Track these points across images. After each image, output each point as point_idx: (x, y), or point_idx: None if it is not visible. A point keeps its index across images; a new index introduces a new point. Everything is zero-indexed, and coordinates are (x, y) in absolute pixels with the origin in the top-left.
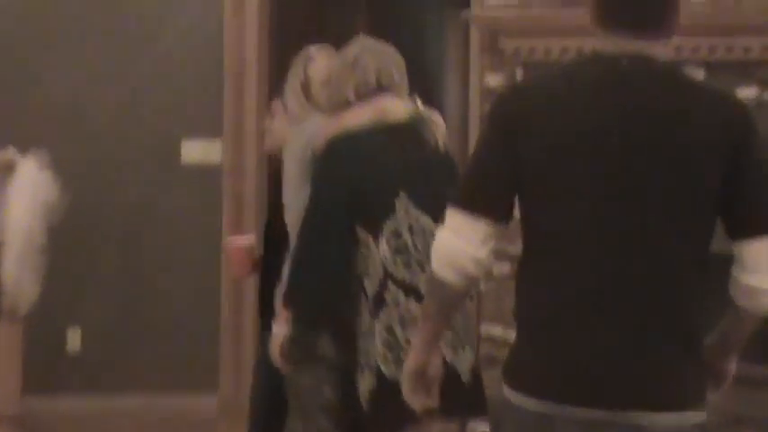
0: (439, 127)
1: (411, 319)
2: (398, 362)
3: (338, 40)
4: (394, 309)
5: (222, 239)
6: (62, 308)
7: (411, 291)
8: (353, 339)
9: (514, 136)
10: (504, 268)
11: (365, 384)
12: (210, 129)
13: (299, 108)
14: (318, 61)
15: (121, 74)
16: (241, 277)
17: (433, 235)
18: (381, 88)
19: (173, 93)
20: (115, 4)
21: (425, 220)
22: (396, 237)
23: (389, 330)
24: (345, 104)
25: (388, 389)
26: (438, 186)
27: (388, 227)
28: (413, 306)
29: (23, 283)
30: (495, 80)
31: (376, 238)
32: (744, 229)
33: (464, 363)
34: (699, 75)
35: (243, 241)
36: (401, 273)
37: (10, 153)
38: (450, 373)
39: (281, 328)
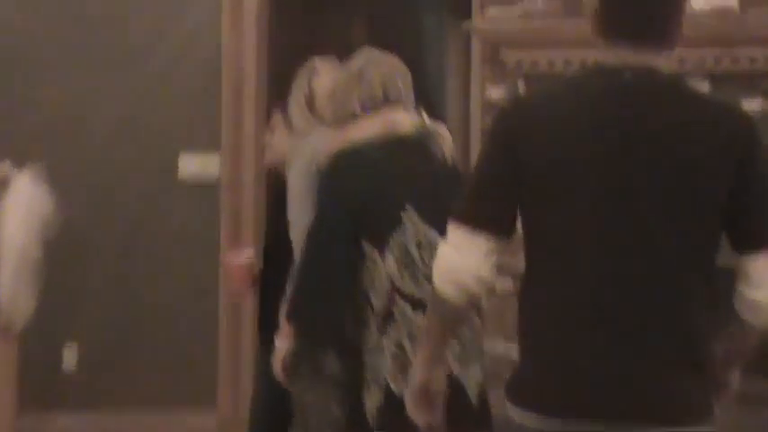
0: (445, 140)
1: (420, 334)
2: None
3: (338, 53)
4: (402, 324)
5: (220, 254)
6: (58, 324)
7: (419, 305)
8: (359, 355)
9: (516, 151)
10: (506, 284)
11: (372, 401)
12: (208, 143)
13: (303, 121)
14: (323, 74)
15: (118, 87)
16: (240, 294)
17: None
18: (388, 101)
19: (170, 106)
20: (111, 18)
21: (432, 233)
22: (403, 250)
23: (399, 346)
24: (351, 117)
25: (396, 405)
26: (445, 200)
27: (395, 240)
28: (421, 320)
29: (19, 299)
30: (496, 93)
31: (382, 251)
32: (749, 243)
33: (471, 378)
34: (703, 87)
35: (242, 258)
36: (408, 287)
37: (5, 168)
38: (456, 388)
39: (283, 343)
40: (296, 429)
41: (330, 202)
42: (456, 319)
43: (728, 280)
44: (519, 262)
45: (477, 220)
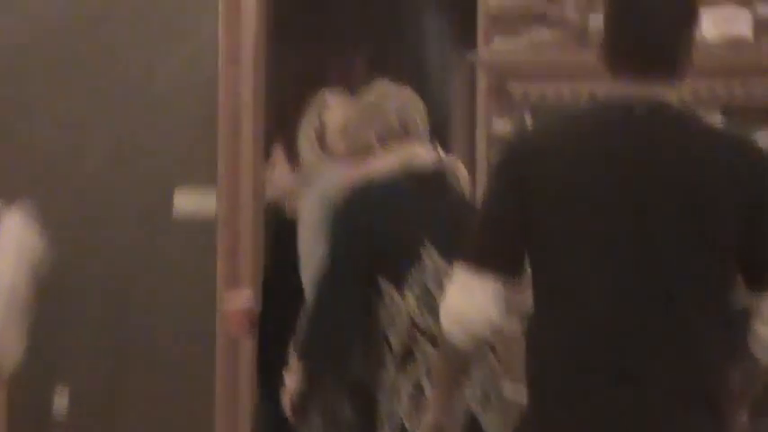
0: (462, 175)
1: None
2: None
3: (339, 85)
4: (422, 362)
5: (217, 294)
6: (48, 367)
7: None
8: (373, 397)
9: (524, 187)
10: (513, 324)
11: None
12: (204, 177)
13: (312, 156)
14: (334, 108)
15: (111, 120)
16: (238, 338)
17: None
18: (405, 134)
19: (164, 140)
20: (104, 49)
21: (451, 270)
22: (422, 288)
23: (417, 385)
24: (367, 151)
25: None
26: (464, 236)
27: (414, 278)
28: None
29: (8, 342)
30: (502, 126)
31: (400, 289)
32: (763, 281)
33: (492, 423)
34: (716, 119)
35: (240, 303)
36: (429, 324)
37: None
38: (473, 429)
39: (292, 381)
40: None
41: (345, 239)
42: (465, 362)
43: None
44: (527, 299)
45: (484, 261)
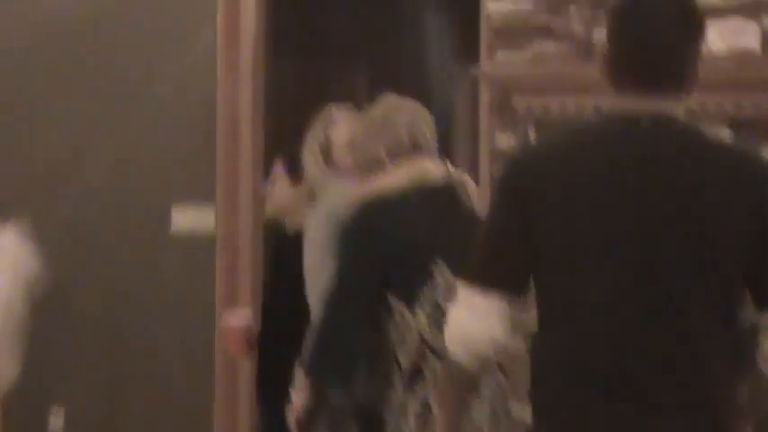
0: (471, 190)
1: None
2: None
3: (338, 99)
4: (431, 380)
5: (216, 313)
6: (44, 387)
7: None
8: (380, 416)
9: (529, 205)
10: (518, 343)
11: None
12: (202, 194)
13: (318, 172)
14: (341, 123)
15: (106, 137)
16: (237, 357)
17: None
18: (414, 148)
19: (161, 156)
20: (100, 65)
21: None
22: (434, 305)
23: (424, 404)
24: (377, 166)
25: None
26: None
27: (426, 295)
28: None
29: (3, 361)
30: (506, 140)
31: (411, 307)
32: None
33: None
34: (724, 133)
35: (239, 321)
36: (440, 342)
37: None
38: None
39: (299, 397)
40: None
41: (355, 255)
42: (471, 381)
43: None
44: (531, 318)
45: (489, 280)
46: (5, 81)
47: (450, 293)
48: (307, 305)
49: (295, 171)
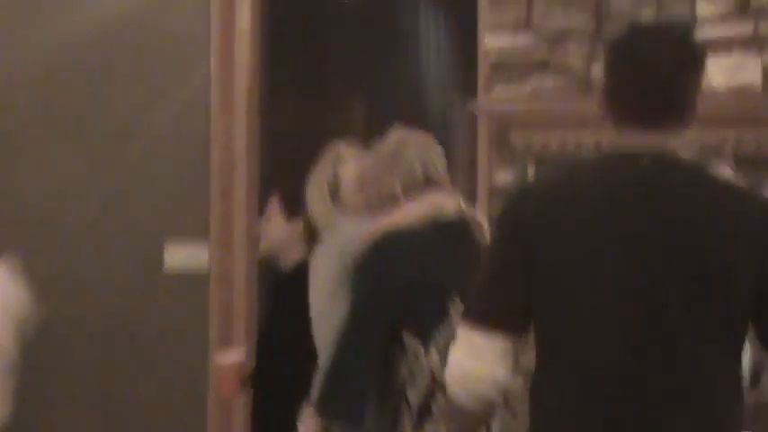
0: (483, 224)
1: None
2: None
3: (335, 135)
4: (440, 420)
5: (210, 351)
6: (36, 426)
7: None
8: None
9: (528, 240)
10: (517, 382)
11: None
12: (196, 231)
13: (323, 209)
14: (350, 159)
15: (99, 174)
16: (230, 397)
17: None
18: (427, 182)
19: (155, 192)
20: (93, 101)
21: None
22: (448, 343)
23: None
24: (391, 202)
25: None
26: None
27: (442, 335)
28: None
29: None
30: (504, 177)
31: (426, 344)
32: None
33: None
34: (725, 169)
35: (231, 358)
36: None
37: None
38: None
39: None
40: None
41: (369, 294)
42: (476, 424)
43: None
44: (530, 359)
45: (490, 321)
46: None
47: None
48: (303, 342)
49: (290, 207)
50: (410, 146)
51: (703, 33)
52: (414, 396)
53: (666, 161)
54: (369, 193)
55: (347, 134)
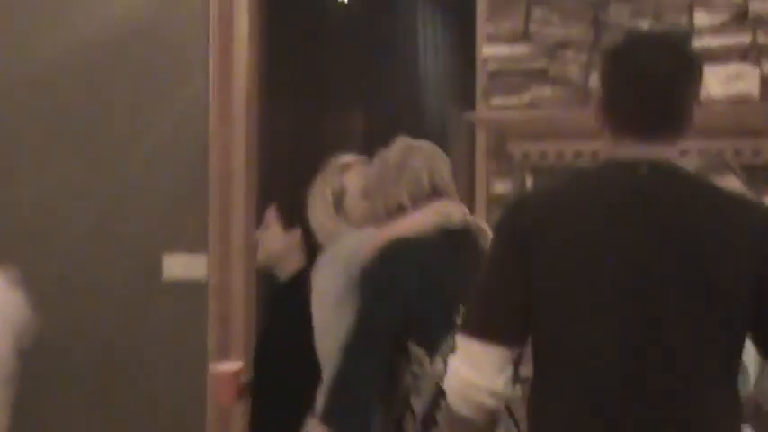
0: (488, 234)
1: None
2: None
3: (333, 145)
4: (444, 430)
5: (208, 361)
6: None
7: None
8: None
9: (527, 251)
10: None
11: None
12: (194, 242)
13: (327, 220)
14: (354, 169)
15: (98, 183)
16: (226, 405)
17: None
18: (434, 191)
19: (153, 203)
20: (91, 112)
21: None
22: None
23: None
24: (398, 211)
25: None
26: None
27: (448, 344)
28: None
29: None
30: (502, 186)
31: (432, 354)
32: None
33: None
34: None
35: (229, 367)
36: None
37: None
38: None
39: None
40: None
41: (376, 303)
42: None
43: None
44: (529, 368)
45: (489, 331)
46: None
47: None
48: (300, 352)
49: (288, 217)
50: (416, 155)
51: (701, 43)
52: (418, 405)
53: (664, 170)
54: (374, 203)
55: (346, 143)
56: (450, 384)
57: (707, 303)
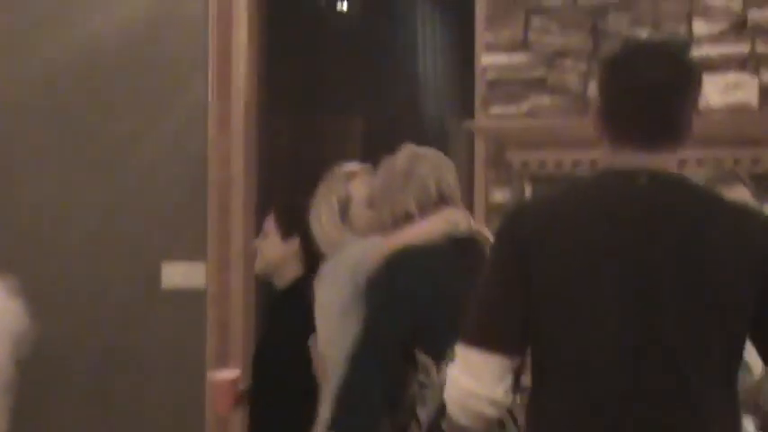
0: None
1: None
2: None
3: (332, 154)
4: None
5: (206, 370)
6: None
7: None
8: None
9: (526, 260)
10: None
11: None
12: (193, 251)
13: (332, 229)
14: (360, 178)
15: (96, 191)
16: (223, 413)
17: None
18: (441, 199)
19: (152, 211)
20: (90, 120)
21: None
22: None
23: None
24: (405, 220)
25: None
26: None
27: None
28: None
29: None
30: (501, 195)
31: (439, 363)
32: None
33: None
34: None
35: (226, 375)
36: None
37: None
38: None
39: None
40: None
41: (383, 311)
42: None
43: None
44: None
45: (489, 340)
46: None
47: None
48: (298, 360)
49: (285, 226)
50: (423, 162)
51: (700, 52)
52: (424, 414)
53: (663, 179)
54: (381, 211)
55: (345, 152)
56: (449, 394)
57: (706, 306)
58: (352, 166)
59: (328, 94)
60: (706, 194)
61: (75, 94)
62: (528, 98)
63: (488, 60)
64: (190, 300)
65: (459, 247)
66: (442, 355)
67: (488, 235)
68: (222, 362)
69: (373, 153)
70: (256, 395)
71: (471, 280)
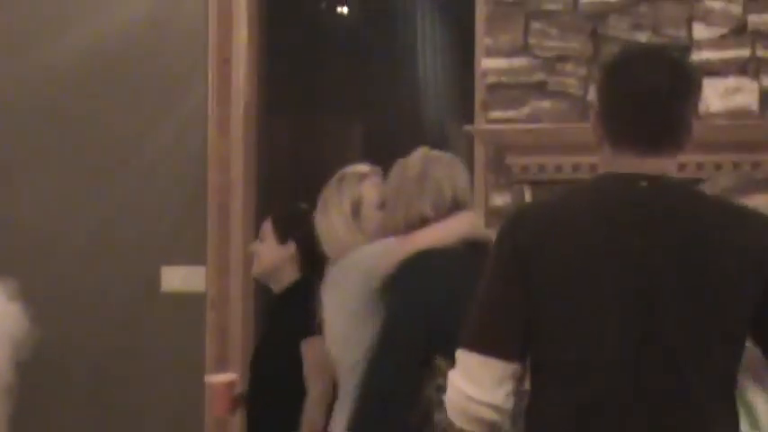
0: None
1: None
2: None
3: (333, 156)
4: None
5: (206, 373)
6: None
7: None
8: None
9: (526, 265)
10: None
11: None
12: (193, 255)
13: (345, 232)
14: (370, 180)
15: (96, 195)
16: (220, 417)
17: None
18: (455, 203)
19: (152, 215)
20: (89, 123)
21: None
22: None
23: None
24: (421, 223)
25: None
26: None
27: None
28: None
29: None
30: (501, 200)
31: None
32: None
33: None
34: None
35: (223, 378)
36: None
37: None
38: None
39: None
40: None
41: (403, 315)
42: None
43: None
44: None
45: (489, 346)
46: None
47: None
48: (296, 364)
49: (282, 231)
50: (437, 165)
51: (700, 56)
52: (441, 419)
53: (663, 184)
54: (394, 213)
55: (345, 156)
56: (449, 398)
57: (706, 307)
58: (363, 167)
59: (328, 94)
60: (706, 198)
61: (74, 95)
62: (528, 102)
63: (488, 64)
64: (189, 303)
65: (475, 250)
66: None
67: None
68: (221, 366)
69: (374, 154)
70: (254, 398)
71: None
